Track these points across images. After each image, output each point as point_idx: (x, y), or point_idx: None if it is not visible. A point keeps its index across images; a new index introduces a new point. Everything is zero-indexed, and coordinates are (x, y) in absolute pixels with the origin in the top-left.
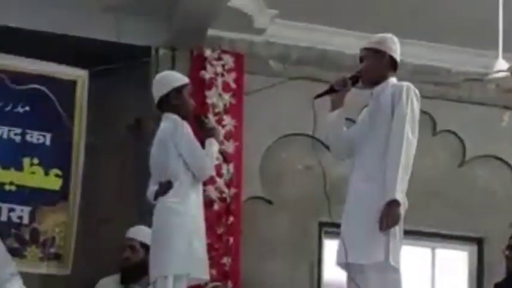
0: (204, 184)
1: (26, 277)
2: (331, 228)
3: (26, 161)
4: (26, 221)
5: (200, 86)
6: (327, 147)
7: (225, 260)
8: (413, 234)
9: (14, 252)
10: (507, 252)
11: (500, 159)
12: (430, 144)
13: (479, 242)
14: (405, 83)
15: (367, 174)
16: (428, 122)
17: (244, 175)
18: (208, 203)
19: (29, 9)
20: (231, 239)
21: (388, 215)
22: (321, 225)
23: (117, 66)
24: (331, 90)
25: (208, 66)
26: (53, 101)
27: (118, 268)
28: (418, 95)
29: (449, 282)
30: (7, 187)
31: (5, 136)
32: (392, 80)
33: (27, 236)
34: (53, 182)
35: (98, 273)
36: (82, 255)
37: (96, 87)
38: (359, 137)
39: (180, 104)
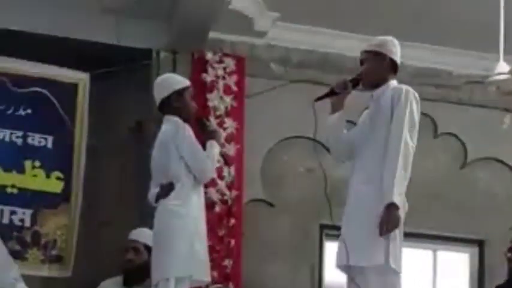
0: (206, 186)
1: (27, 280)
2: (332, 230)
3: (28, 163)
4: (27, 223)
5: (201, 88)
6: (328, 150)
7: (227, 262)
8: (414, 237)
9: (16, 255)
10: (509, 254)
11: (501, 161)
12: (431, 147)
13: (480, 244)
14: (404, 86)
15: (367, 177)
16: (430, 125)
17: (246, 177)
18: (209, 205)
19: (30, 12)
20: (233, 241)
21: (388, 220)
22: (322, 227)
23: (118, 69)
24: (331, 93)
25: (210, 69)
26: (54, 104)
27: (121, 270)
28: (418, 98)
29: (450, 285)
30: (9, 190)
31: (6, 139)
32: (393, 82)
33: (28, 239)
34: (54, 185)
35: (99, 276)
36: (83, 257)
37: (97, 90)
38: (359, 140)
39: (182, 107)
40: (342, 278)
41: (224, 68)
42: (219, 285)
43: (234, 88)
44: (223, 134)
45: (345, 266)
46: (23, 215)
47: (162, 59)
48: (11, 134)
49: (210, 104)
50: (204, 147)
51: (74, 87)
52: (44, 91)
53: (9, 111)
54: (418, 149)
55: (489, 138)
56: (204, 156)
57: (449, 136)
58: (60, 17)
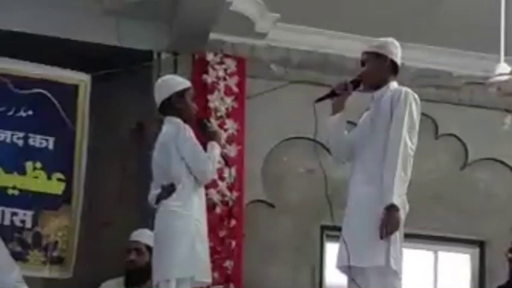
0: (206, 187)
1: (28, 281)
2: (333, 231)
3: (29, 165)
4: (28, 225)
5: (202, 89)
6: (329, 151)
7: (228, 263)
8: (415, 238)
9: (17, 256)
10: (510, 255)
11: (502, 162)
12: (432, 148)
13: (481, 244)
14: (404, 88)
15: (367, 178)
16: (430, 126)
17: (247, 178)
18: (210, 207)
19: (31, 14)
20: (233, 242)
21: (388, 223)
22: (323, 228)
23: (119, 71)
24: (332, 94)
25: (211, 70)
26: (55, 105)
27: (123, 271)
28: (418, 99)
29: (451, 285)
30: (10, 191)
31: (8, 140)
32: (393, 83)
33: (29, 240)
34: (55, 186)
35: (100, 277)
36: (84, 258)
37: (98, 92)
38: (360, 141)
39: (182, 108)
40: (342, 279)
41: (225, 69)
42: (220, 286)
43: (235, 89)
44: (224, 135)
45: (345, 267)
46: (24, 216)
47: (163, 60)
48: (12, 135)
49: (211, 105)
50: (204, 148)
51: (75, 88)
52: (45, 92)
53: (11, 113)
54: (418, 149)
55: (490, 139)
56: (205, 157)
57: (449, 137)
58: (61, 19)
